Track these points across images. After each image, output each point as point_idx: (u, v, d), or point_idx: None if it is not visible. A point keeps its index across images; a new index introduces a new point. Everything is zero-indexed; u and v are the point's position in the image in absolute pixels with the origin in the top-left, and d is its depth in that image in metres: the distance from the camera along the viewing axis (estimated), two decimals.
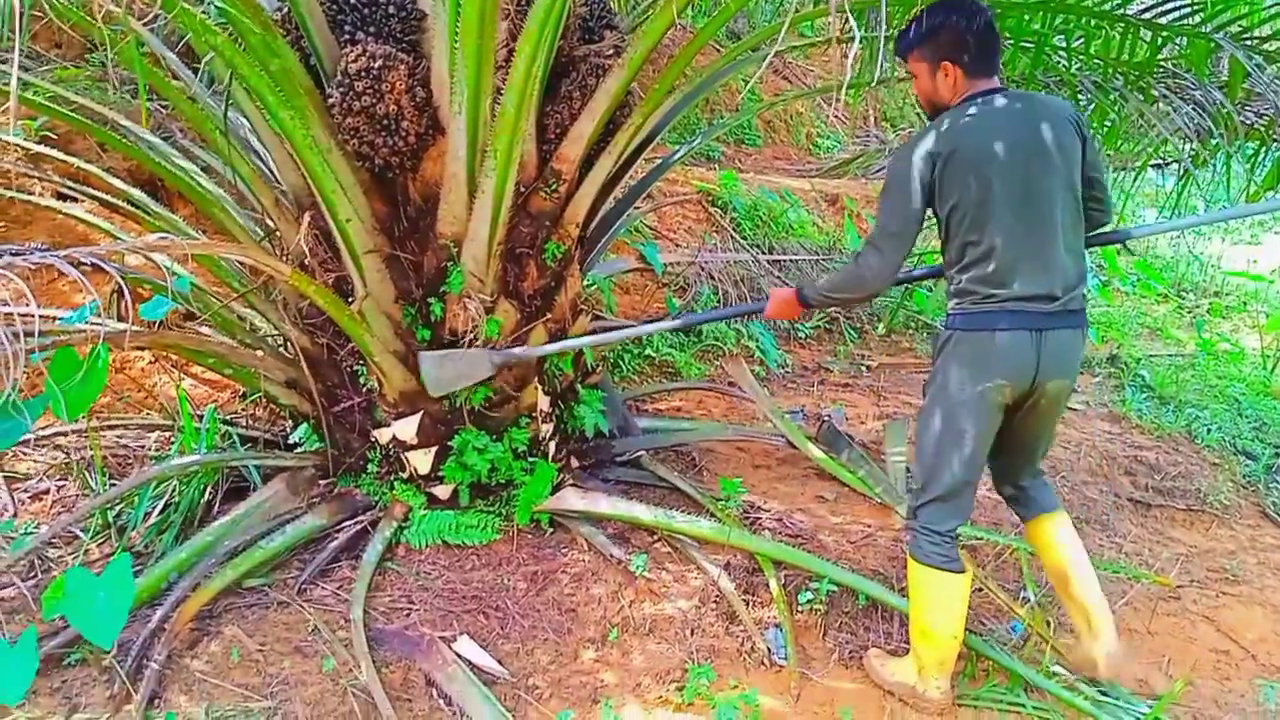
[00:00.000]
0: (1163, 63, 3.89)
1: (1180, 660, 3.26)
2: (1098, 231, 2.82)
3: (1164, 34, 3.63)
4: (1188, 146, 4.24)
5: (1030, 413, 2.69)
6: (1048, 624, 3.19)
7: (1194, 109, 3.87)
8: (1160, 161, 5.36)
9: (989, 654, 2.99)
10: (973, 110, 2.55)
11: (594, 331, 4.05)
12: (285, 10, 3.22)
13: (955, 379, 2.60)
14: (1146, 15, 3.62)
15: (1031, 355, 2.52)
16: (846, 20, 4.25)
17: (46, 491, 3.66)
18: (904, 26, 2.74)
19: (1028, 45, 3.86)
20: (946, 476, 2.68)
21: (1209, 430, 5.21)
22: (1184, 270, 9.48)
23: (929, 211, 2.65)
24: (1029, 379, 2.56)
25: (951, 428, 2.64)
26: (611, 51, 3.51)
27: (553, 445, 3.82)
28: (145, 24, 2.05)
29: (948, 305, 2.67)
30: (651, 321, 3.77)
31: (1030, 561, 3.55)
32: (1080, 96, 4.07)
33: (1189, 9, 3.53)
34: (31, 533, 3.38)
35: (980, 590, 3.33)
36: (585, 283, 4.07)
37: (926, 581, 2.74)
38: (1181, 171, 4.47)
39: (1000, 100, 2.57)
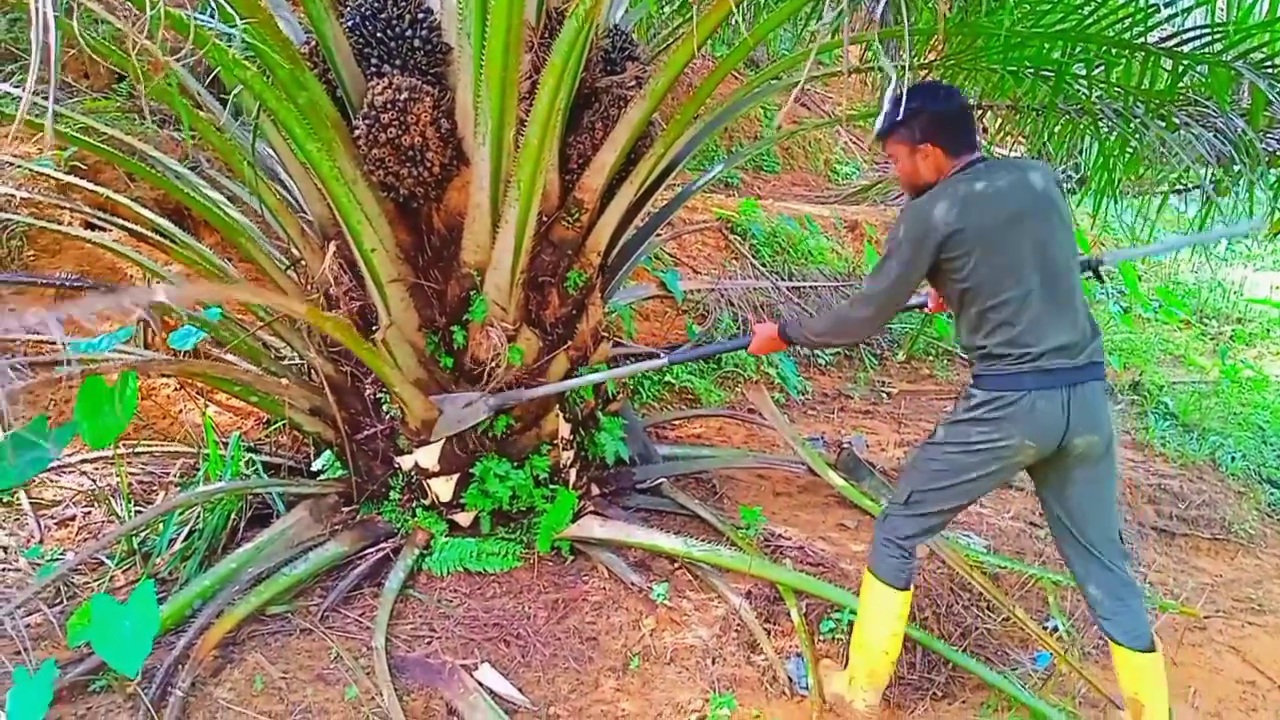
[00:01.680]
0: (1184, 90, 3.89)
1: (1206, 692, 3.23)
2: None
3: (1185, 62, 3.63)
4: (1209, 172, 4.23)
5: (1066, 476, 2.66)
6: (1074, 653, 3.16)
7: (1216, 136, 3.86)
8: (1183, 187, 5.35)
9: (1010, 690, 2.96)
10: (970, 183, 2.57)
11: (614, 359, 4.07)
12: (313, 44, 3.27)
13: (980, 432, 2.60)
14: (1167, 44, 3.62)
15: (1061, 414, 2.52)
16: (866, 48, 4.27)
17: (73, 518, 3.69)
18: (881, 111, 2.77)
19: (1048, 74, 3.87)
20: (931, 503, 2.73)
21: (1233, 458, 5.17)
22: (1206, 296, 9.43)
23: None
24: (1057, 438, 2.55)
25: (957, 473, 2.67)
26: (633, 83, 3.54)
27: (573, 472, 3.83)
28: (176, 58, 2.10)
29: (975, 367, 2.66)
30: (645, 359, 3.79)
31: (1056, 591, 3.52)
32: (1101, 124, 4.08)
33: (1210, 37, 3.53)
34: (58, 559, 3.41)
35: (1007, 619, 3.31)
36: (606, 310, 4.09)
37: (874, 595, 2.80)
38: (1204, 198, 4.45)
39: (991, 170, 2.60)
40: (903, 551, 2.76)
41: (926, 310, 3.24)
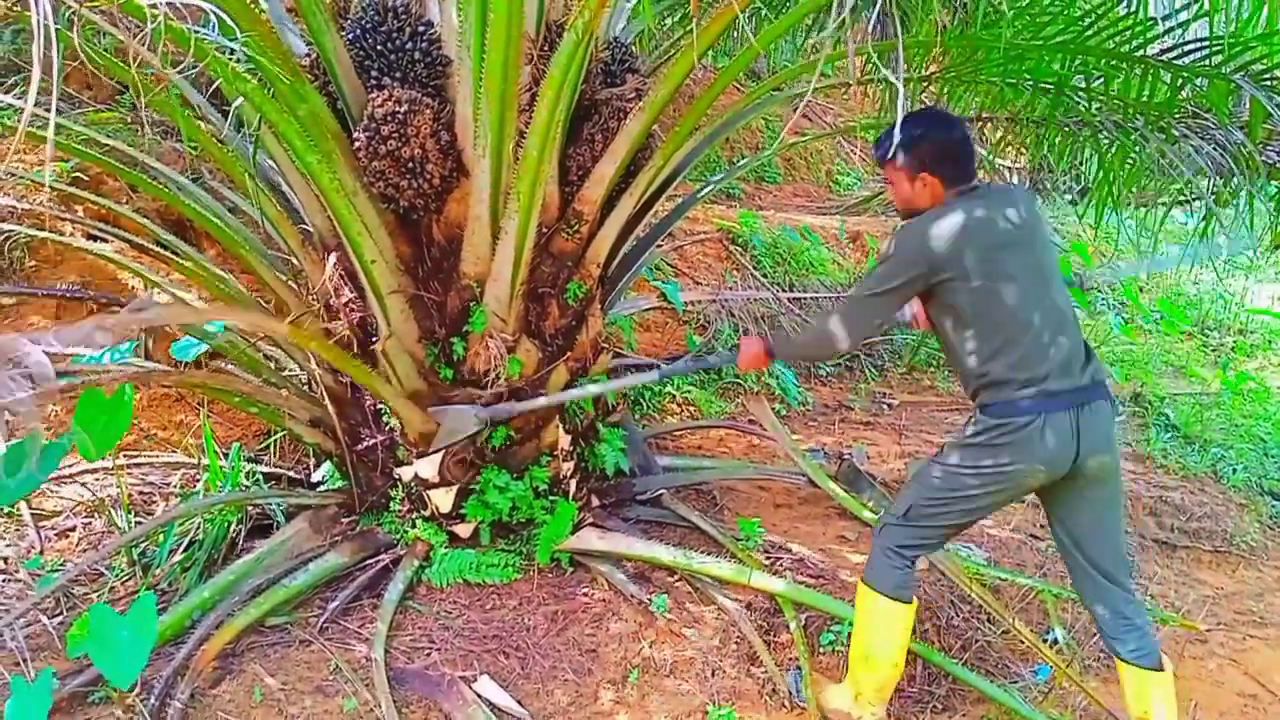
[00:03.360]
0: (1183, 103, 3.89)
1: (1208, 705, 3.22)
2: None
3: (1184, 75, 3.64)
4: (1209, 184, 4.23)
5: (1076, 498, 2.65)
6: (1074, 666, 3.16)
7: (1215, 149, 3.87)
8: (1184, 199, 5.35)
9: (1010, 703, 2.95)
10: (966, 208, 2.56)
11: (614, 370, 4.07)
12: (314, 56, 3.28)
13: (990, 457, 2.58)
14: (1166, 56, 3.63)
15: (1071, 436, 2.51)
16: (867, 61, 4.28)
17: (73, 529, 3.69)
18: (882, 134, 2.76)
19: (1047, 87, 3.88)
20: (937, 522, 2.71)
21: (1235, 470, 5.16)
22: (1207, 308, 9.42)
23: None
24: (1069, 461, 2.53)
25: (965, 493, 2.64)
26: (633, 95, 3.55)
27: (573, 484, 3.83)
28: (178, 71, 2.10)
29: (980, 395, 2.63)
30: (635, 372, 3.80)
31: (1056, 604, 3.51)
32: (1101, 136, 4.08)
33: (1209, 50, 3.54)
34: (58, 570, 3.41)
35: (1007, 632, 3.30)
36: (606, 321, 4.09)
37: (874, 608, 2.76)
38: (1204, 210, 4.45)
39: (984, 196, 2.61)
40: (904, 562, 2.74)
41: (910, 326, 3.23)
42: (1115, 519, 2.70)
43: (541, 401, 3.47)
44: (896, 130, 2.63)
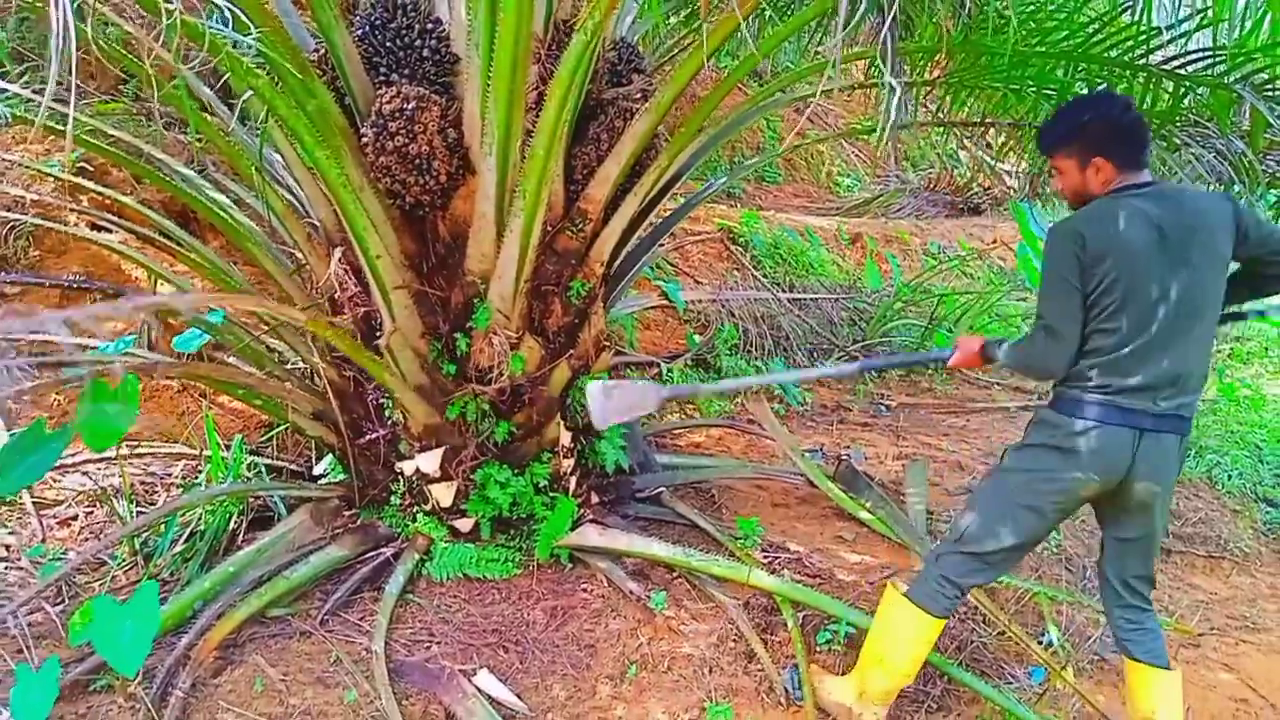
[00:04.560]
0: (1185, 112, 3.92)
1: (1200, 709, 3.25)
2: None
3: (1186, 84, 3.67)
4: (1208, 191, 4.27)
5: (1120, 511, 2.63)
6: (1069, 669, 3.18)
7: (1215, 157, 3.89)
8: None
9: (1005, 704, 2.97)
10: (1128, 204, 2.47)
11: (615, 368, 4.09)
12: (322, 51, 3.30)
13: (1045, 461, 2.56)
14: (1169, 66, 3.66)
15: (1128, 455, 2.47)
16: (870, 63, 4.30)
17: (75, 518, 3.71)
18: (1048, 121, 2.66)
19: (1050, 93, 3.91)
20: (992, 543, 2.64)
21: (1230, 476, 5.18)
22: None
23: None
24: (1119, 477, 2.50)
25: (1022, 503, 2.60)
26: (639, 95, 3.57)
27: (574, 480, 3.85)
28: (189, 66, 2.12)
29: (1057, 386, 2.59)
30: (814, 368, 3.74)
31: (1051, 606, 3.54)
32: None
33: (1212, 60, 3.57)
34: (60, 559, 3.43)
35: (1002, 634, 3.33)
36: (608, 319, 4.11)
37: (906, 619, 2.74)
38: None
39: (1155, 196, 2.48)
40: (956, 591, 2.69)
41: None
42: (1154, 540, 2.69)
43: (723, 385, 3.39)
44: (1061, 118, 2.57)
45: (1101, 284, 2.43)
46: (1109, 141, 2.52)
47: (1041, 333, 2.55)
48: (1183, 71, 3.65)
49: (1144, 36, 3.53)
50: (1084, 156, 2.56)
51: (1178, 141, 4.01)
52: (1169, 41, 3.66)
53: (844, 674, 3.09)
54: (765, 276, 6.74)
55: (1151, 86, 3.73)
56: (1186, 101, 3.83)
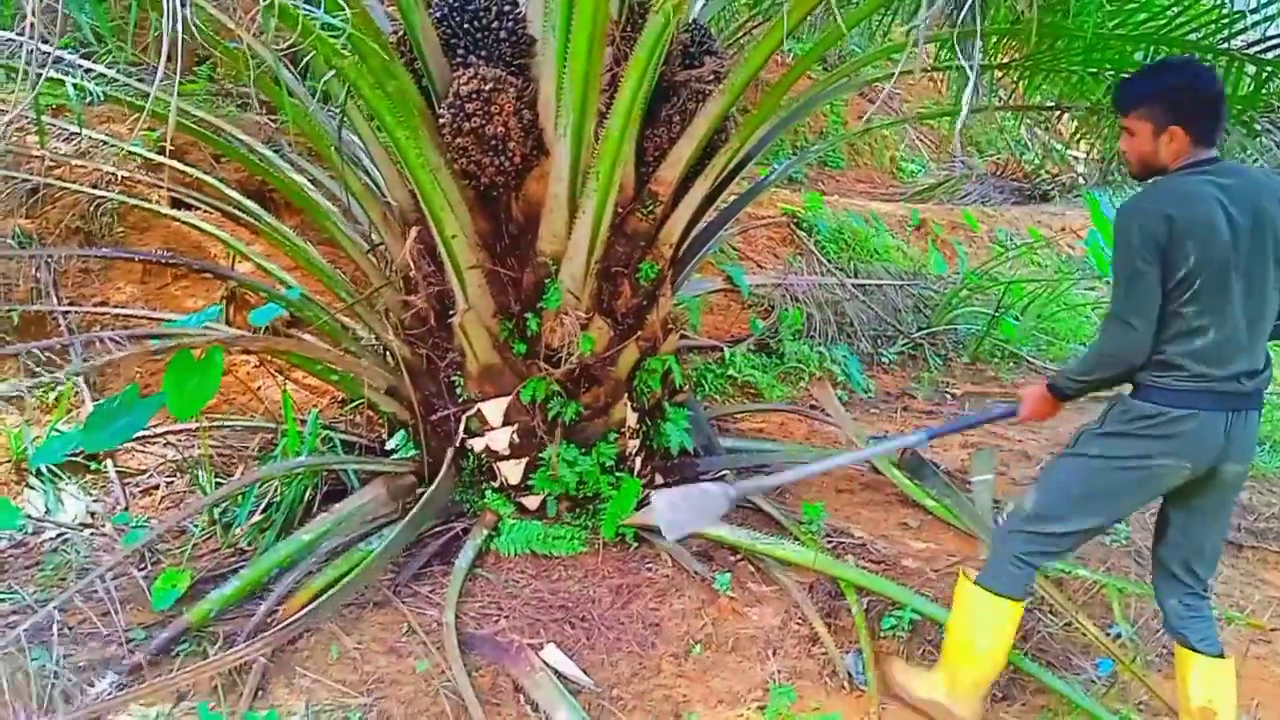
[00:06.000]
0: (1267, 97, 3.83)
1: (1271, 704, 3.19)
2: None
3: (1269, 69, 3.59)
4: None
5: (1201, 499, 2.58)
6: (1139, 661, 3.15)
7: None
8: None
9: (1071, 695, 2.95)
10: (1202, 180, 2.41)
11: (680, 350, 4.10)
12: (400, 33, 3.36)
13: (1134, 448, 2.50)
14: (1253, 50, 3.58)
15: (1221, 439, 2.43)
16: (940, 47, 4.25)
17: (156, 487, 3.84)
18: (1131, 76, 2.59)
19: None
20: (1063, 525, 2.61)
21: None
22: None
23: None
24: (1211, 462, 2.47)
25: (1101, 488, 2.56)
26: (711, 77, 3.58)
27: (639, 461, 3.89)
28: (280, 50, 2.18)
29: (1138, 375, 2.51)
30: (882, 440, 3.83)
31: (1120, 598, 3.50)
32: None
33: None
34: (143, 526, 3.55)
35: (1070, 625, 3.31)
36: (674, 302, 4.13)
37: (983, 605, 2.72)
38: None
39: (1227, 174, 2.43)
40: (1029, 569, 2.66)
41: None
42: (1224, 525, 2.68)
43: (788, 476, 3.35)
44: (1146, 76, 2.51)
45: (1183, 267, 2.36)
46: (1190, 110, 2.44)
47: (1115, 325, 2.49)
48: (1266, 56, 3.57)
49: (1227, 19, 3.46)
50: (1161, 121, 2.46)
51: (1258, 128, 3.92)
52: (1253, 25, 3.58)
53: (909, 660, 3.09)
54: (829, 261, 6.70)
55: (1234, 70, 3.65)
56: (1269, 87, 3.75)
